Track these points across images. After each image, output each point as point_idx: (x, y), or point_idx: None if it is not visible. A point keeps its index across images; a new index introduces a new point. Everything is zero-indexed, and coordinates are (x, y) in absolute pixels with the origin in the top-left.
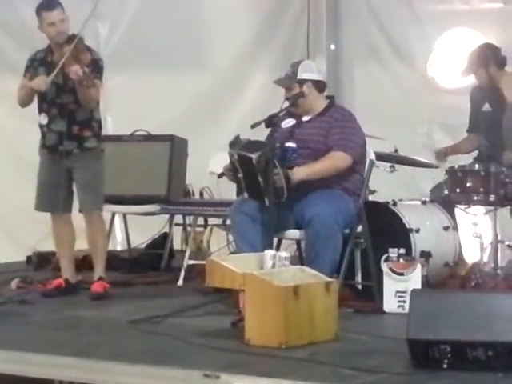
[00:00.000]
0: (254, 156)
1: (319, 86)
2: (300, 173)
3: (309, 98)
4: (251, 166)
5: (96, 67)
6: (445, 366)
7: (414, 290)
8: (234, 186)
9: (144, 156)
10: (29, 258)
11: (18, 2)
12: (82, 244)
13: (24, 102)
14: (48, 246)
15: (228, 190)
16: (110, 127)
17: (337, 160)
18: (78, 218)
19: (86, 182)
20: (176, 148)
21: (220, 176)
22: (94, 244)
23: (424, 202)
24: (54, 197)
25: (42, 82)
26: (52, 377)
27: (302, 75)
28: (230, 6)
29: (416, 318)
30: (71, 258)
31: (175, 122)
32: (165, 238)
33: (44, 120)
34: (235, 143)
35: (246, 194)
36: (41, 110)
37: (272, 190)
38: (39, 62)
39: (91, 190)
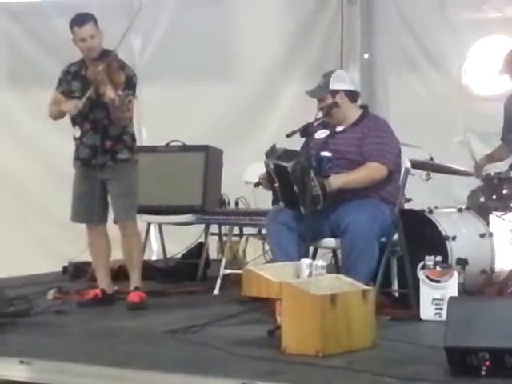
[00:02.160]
0: (288, 165)
1: (352, 95)
2: (336, 181)
3: (342, 108)
4: (287, 175)
5: (130, 84)
6: (483, 373)
7: (451, 298)
8: (270, 195)
9: (179, 166)
10: (65, 268)
11: (51, 14)
12: (117, 254)
13: (55, 118)
14: (84, 256)
15: (263, 200)
16: (144, 138)
17: (373, 171)
18: (113, 229)
19: (119, 192)
20: (211, 158)
21: (256, 185)
22: (130, 254)
23: (460, 210)
24: (88, 208)
25: (74, 107)
26: None
27: (334, 85)
28: (263, 18)
29: (454, 325)
30: (107, 268)
31: (210, 132)
32: (200, 247)
33: (77, 133)
34: (272, 153)
35: (282, 204)
36: (74, 123)
37: (308, 197)
38: (72, 76)
39: (125, 201)
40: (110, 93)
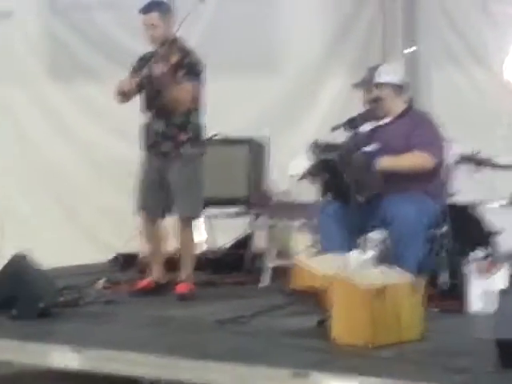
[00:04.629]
0: (334, 156)
1: (398, 89)
2: (383, 162)
3: (387, 101)
4: (333, 167)
5: (190, 69)
6: None
7: (501, 290)
8: (314, 188)
9: (223, 159)
10: (114, 258)
11: (93, 7)
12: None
13: (120, 100)
14: (132, 247)
15: (308, 192)
16: None
17: (420, 159)
18: (169, 219)
19: (178, 186)
20: (255, 150)
21: (301, 179)
22: (185, 246)
23: (505, 204)
24: (147, 200)
25: (127, 82)
26: (140, 374)
27: (380, 78)
28: (306, 11)
29: (504, 317)
30: (161, 258)
31: (254, 125)
32: (248, 238)
33: (146, 120)
34: (315, 147)
35: (329, 196)
36: (144, 110)
37: (361, 184)
38: (144, 62)
39: (184, 195)
40: (156, 66)
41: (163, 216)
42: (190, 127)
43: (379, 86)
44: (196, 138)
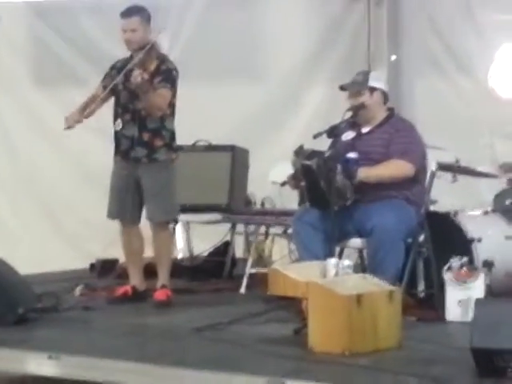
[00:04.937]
0: (312, 162)
1: (385, 96)
2: (363, 173)
3: (372, 108)
4: (313, 174)
5: (166, 76)
6: (510, 374)
7: (477, 300)
8: (296, 195)
9: (206, 166)
10: (92, 265)
11: (79, 13)
12: (146, 252)
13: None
14: (111, 253)
15: (289, 199)
16: None
17: (398, 167)
18: (147, 226)
19: (152, 191)
20: (237, 158)
21: (283, 184)
22: (159, 252)
23: (486, 212)
24: (122, 205)
25: (71, 119)
26: (117, 382)
27: (372, 83)
28: (290, 19)
29: (480, 326)
30: (140, 265)
31: (236, 132)
32: (227, 246)
33: (118, 126)
34: (299, 153)
35: (307, 204)
36: (116, 116)
37: (335, 192)
38: (117, 71)
39: (157, 200)
40: (136, 73)
41: (139, 222)
42: (164, 133)
43: (372, 89)
44: (170, 144)
